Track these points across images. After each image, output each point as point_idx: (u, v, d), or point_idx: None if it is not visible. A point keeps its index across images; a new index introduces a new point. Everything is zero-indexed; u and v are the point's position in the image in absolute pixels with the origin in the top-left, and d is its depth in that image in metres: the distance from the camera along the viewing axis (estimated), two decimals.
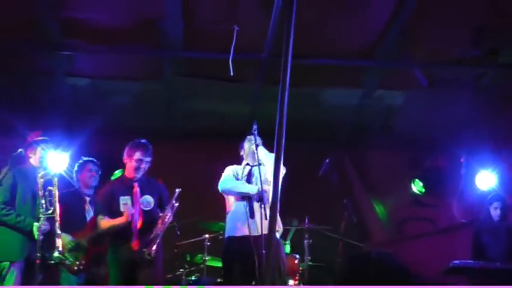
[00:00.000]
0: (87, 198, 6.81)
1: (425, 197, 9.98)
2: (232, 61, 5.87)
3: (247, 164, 6.51)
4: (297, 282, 7.77)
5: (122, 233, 6.30)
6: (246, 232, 6.05)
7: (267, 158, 6.17)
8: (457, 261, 7.57)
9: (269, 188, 5.91)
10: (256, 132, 6.20)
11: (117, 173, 9.08)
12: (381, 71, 7.86)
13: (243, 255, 5.99)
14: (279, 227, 6.21)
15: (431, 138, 9.43)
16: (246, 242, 5.95)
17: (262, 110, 8.56)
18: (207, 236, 8.13)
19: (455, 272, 7.70)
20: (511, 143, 9.24)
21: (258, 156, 6.11)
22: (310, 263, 8.21)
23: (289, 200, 6.34)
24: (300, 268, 7.97)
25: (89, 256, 6.39)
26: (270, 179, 5.95)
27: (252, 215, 6.09)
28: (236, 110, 9.01)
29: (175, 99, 8.80)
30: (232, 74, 6.32)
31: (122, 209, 6.33)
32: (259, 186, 6.05)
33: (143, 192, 6.50)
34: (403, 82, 8.14)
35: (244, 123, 8.64)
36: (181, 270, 8.25)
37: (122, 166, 6.86)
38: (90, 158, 6.98)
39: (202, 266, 8.03)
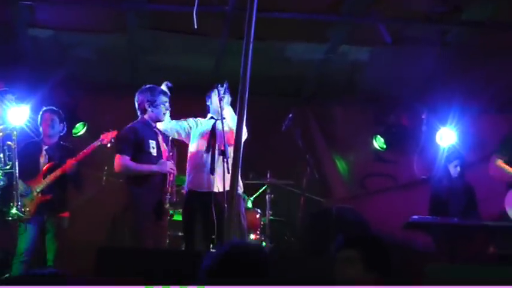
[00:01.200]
0: (44, 147, 6.68)
1: (386, 153, 10.03)
2: (196, 14, 5.75)
3: (212, 118, 6.42)
4: (258, 236, 7.78)
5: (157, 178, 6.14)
6: (206, 187, 6.01)
7: (231, 117, 6.10)
8: (416, 217, 7.63)
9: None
10: (226, 89, 6.11)
11: (79, 127, 9.00)
12: (346, 25, 7.82)
13: (203, 210, 5.96)
14: (240, 186, 6.09)
15: (395, 95, 9.47)
16: (206, 197, 5.91)
17: (227, 64, 8.48)
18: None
19: (414, 227, 7.77)
20: (472, 101, 9.29)
21: (221, 109, 6.02)
22: (271, 217, 8.23)
23: (252, 154, 6.33)
24: (262, 223, 7.99)
25: (35, 204, 6.30)
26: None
27: (212, 170, 6.03)
28: (201, 64, 8.91)
29: (140, 53, 8.67)
30: (196, 27, 6.21)
31: (153, 152, 6.16)
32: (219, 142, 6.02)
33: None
34: (368, 38, 8.11)
35: (209, 77, 8.62)
36: None
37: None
38: (50, 107, 6.83)
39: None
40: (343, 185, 9.94)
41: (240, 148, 3.43)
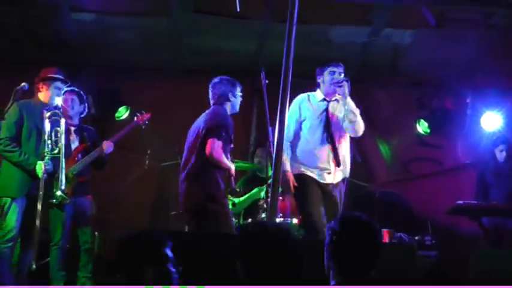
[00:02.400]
0: (72, 129, 6.69)
1: (430, 137, 9.94)
2: None
3: (324, 99, 6.35)
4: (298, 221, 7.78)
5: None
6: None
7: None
8: (460, 201, 7.58)
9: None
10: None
11: (122, 110, 9.08)
12: (389, 8, 7.75)
13: None
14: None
15: (439, 79, 9.37)
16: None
17: (270, 47, 8.47)
18: None
19: (458, 212, 7.74)
20: None
21: (346, 90, 6.09)
22: None
23: None
24: None
25: (72, 186, 6.34)
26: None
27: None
28: (243, 48, 8.91)
29: (182, 36, 8.69)
30: (238, 10, 6.22)
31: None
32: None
33: None
34: (411, 21, 8.03)
35: (252, 60, 8.62)
36: None
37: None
38: (71, 88, 6.68)
39: None
40: (387, 170, 9.89)
41: (284, 130, 3.43)
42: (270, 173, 5.06)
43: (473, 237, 8.31)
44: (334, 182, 6.20)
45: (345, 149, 6.27)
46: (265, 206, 6.87)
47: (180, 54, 9.16)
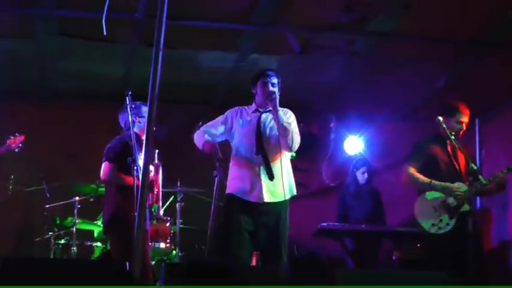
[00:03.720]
0: None
1: (296, 160, 10.11)
2: (105, 20, 5.69)
3: (257, 110, 6.18)
4: (168, 245, 7.75)
5: None
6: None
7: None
8: (325, 224, 7.79)
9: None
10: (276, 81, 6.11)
11: None
12: (255, 34, 7.86)
13: None
14: None
15: (305, 104, 9.57)
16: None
17: (137, 71, 8.43)
18: (77, 198, 7.98)
19: (323, 234, 7.93)
20: (378, 109, 9.53)
21: (276, 101, 5.90)
22: (181, 226, 8.22)
23: (163, 162, 6.31)
24: (172, 231, 7.96)
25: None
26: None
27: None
28: (110, 71, 8.82)
29: (48, 59, 8.51)
30: (105, 34, 6.16)
31: None
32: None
33: None
34: (277, 47, 8.19)
35: (118, 85, 8.53)
36: (50, 233, 8.05)
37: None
38: None
39: (72, 229, 7.88)
40: None
41: (150, 157, 3.44)
42: None
43: (337, 259, 8.55)
44: (268, 200, 5.87)
45: (281, 163, 5.97)
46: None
47: (46, 78, 8.97)
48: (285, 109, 6.12)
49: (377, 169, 8.95)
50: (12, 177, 8.11)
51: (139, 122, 6.19)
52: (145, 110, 6.19)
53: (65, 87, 9.27)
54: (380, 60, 8.31)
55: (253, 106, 6.18)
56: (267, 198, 5.84)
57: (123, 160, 5.85)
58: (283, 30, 7.72)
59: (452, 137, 6.52)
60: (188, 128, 7.32)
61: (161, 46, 3.67)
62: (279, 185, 5.90)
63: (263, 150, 5.91)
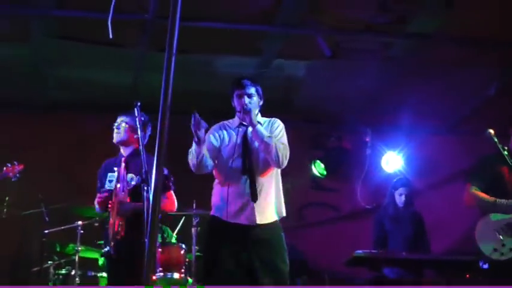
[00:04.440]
0: None
1: (327, 180, 10.16)
2: (111, 22, 5.74)
3: (242, 124, 6.05)
4: (183, 275, 7.76)
5: None
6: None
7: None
8: (360, 251, 7.75)
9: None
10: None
11: None
12: (281, 37, 7.89)
13: None
14: None
15: (335, 115, 9.58)
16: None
17: (146, 79, 8.49)
18: (80, 222, 8.00)
19: (358, 263, 7.89)
20: (420, 121, 9.50)
21: (251, 115, 5.75)
22: (198, 253, 8.22)
23: (175, 182, 6.34)
24: (187, 259, 7.97)
25: None
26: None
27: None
28: (117, 79, 8.89)
29: (46, 65, 8.58)
30: (111, 37, 6.21)
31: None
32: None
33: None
34: (305, 51, 8.21)
35: (126, 94, 8.58)
36: (49, 262, 8.09)
37: None
38: None
39: (74, 257, 7.91)
40: None
41: (161, 173, 3.45)
42: None
43: None
44: (260, 222, 5.78)
45: (270, 181, 5.91)
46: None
47: (44, 87, 9.05)
48: (271, 119, 6.07)
49: (419, 189, 8.92)
50: (6, 199, 8.16)
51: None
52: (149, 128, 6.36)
53: (64, 97, 9.34)
54: (421, 65, 8.31)
55: (236, 120, 6.12)
56: (259, 220, 5.75)
57: None
58: (312, 32, 7.75)
59: (505, 153, 6.49)
60: None
61: (174, 51, 3.69)
62: (269, 205, 5.86)
63: (250, 167, 5.87)
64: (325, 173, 10.06)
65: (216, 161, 5.95)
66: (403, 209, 8.38)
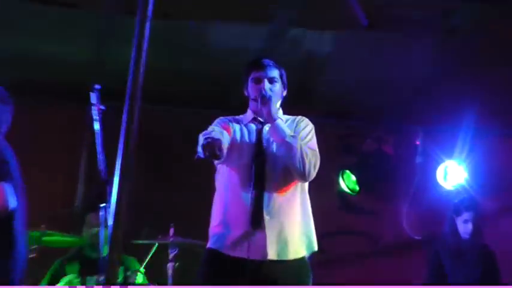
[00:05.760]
0: None
1: (360, 198, 10.16)
2: None
3: (255, 120, 6.06)
4: None
5: None
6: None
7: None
8: None
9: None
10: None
11: None
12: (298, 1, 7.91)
13: None
14: None
15: (374, 108, 9.58)
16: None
17: (111, 54, 8.52)
18: None
19: None
20: (491, 117, 9.48)
21: (270, 107, 5.71)
22: None
23: (147, 199, 6.35)
24: None
25: None
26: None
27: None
28: (70, 53, 8.91)
29: None
30: None
31: None
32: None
33: None
34: (332, 18, 8.21)
35: (85, 72, 8.59)
36: None
37: None
38: None
39: None
40: None
41: (125, 181, 3.44)
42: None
43: None
44: (274, 257, 5.67)
45: (291, 199, 5.85)
46: None
47: None
48: (296, 117, 6.10)
49: (489, 213, 8.92)
50: None
51: None
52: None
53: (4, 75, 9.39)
54: (492, 42, 8.30)
55: (250, 114, 6.13)
56: (273, 254, 5.66)
57: None
58: None
59: None
60: (189, 145, 7.38)
61: (149, 13, 3.70)
62: (292, 234, 5.82)
63: (263, 177, 5.72)
64: (357, 188, 10.06)
65: (218, 168, 5.94)
66: (469, 242, 8.37)
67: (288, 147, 5.61)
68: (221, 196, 5.85)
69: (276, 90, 5.91)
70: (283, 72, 6.05)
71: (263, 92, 5.77)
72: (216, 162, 5.85)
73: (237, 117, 6.14)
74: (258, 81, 5.93)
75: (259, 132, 5.92)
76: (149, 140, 4.26)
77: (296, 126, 5.93)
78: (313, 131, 5.99)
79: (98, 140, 5.95)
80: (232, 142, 5.83)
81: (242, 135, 5.93)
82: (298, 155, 5.62)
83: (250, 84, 6.01)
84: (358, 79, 9.10)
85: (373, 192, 10.13)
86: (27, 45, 8.82)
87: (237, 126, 6.00)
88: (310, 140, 5.88)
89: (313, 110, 9.48)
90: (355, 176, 9.98)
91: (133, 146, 3.45)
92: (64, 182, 9.14)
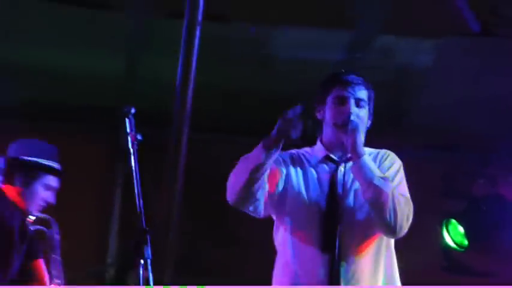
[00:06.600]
0: None
1: (471, 255, 10.16)
2: None
3: (328, 157, 5.99)
4: None
5: None
6: None
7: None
8: None
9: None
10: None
11: None
12: (388, 1, 7.98)
13: None
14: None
15: (486, 136, 9.60)
16: None
17: (146, 68, 8.62)
18: None
19: None
20: None
21: (357, 136, 5.60)
22: None
23: (191, 244, 6.45)
24: None
25: None
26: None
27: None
28: (98, 65, 9.03)
29: None
30: None
31: None
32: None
33: None
34: (433, 22, 8.27)
35: (115, 91, 8.71)
36: None
37: None
38: None
39: None
40: None
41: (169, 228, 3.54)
42: None
43: None
44: None
45: (372, 266, 5.57)
46: None
47: None
48: (380, 151, 5.77)
49: None
50: None
51: None
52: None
53: (6, 97, 9.53)
54: None
55: (320, 148, 5.78)
56: None
57: None
58: None
59: None
60: None
61: (198, 18, 3.79)
62: None
63: (334, 238, 5.41)
64: (466, 242, 10.05)
65: (275, 217, 5.66)
66: None
67: (376, 193, 5.32)
68: (283, 256, 5.65)
69: (363, 117, 5.55)
70: (373, 94, 5.67)
71: (350, 116, 5.40)
72: (273, 216, 5.63)
73: (301, 151, 5.80)
74: (343, 101, 5.54)
75: (332, 176, 5.61)
76: (197, 178, 4.26)
77: (381, 164, 5.64)
78: (402, 170, 5.68)
79: (135, 179, 6.01)
80: (297, 186, 5.59)
81: (307, 182, 5.64)
82: (390, 203, 5.34)
83: (330, 104, 5.59)
84: (465, 99, 9.13)
85: (487, 248, 10.12)
86: (40, 57, 8.97)
87: (298, 168, 5.70)
88: (399, 183, 5.58)
89: (406, 140, 9.59)
90: (463, 227, 9.98)
91: (180, 186, 3.54)
92: (91, 231, 9.25)
